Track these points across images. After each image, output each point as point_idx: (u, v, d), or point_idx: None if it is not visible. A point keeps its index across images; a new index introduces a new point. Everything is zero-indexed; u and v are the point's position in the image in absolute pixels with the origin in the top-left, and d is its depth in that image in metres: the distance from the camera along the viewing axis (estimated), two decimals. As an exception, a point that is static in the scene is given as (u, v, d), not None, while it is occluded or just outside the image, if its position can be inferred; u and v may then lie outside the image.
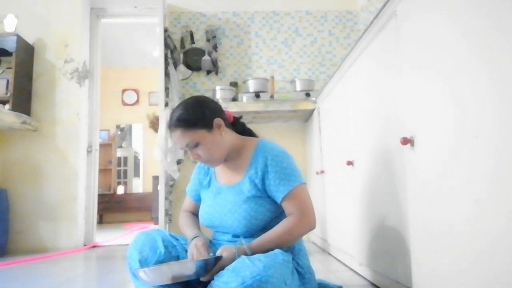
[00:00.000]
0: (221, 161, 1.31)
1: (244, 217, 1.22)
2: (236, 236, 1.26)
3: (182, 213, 1.47)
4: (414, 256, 1.20)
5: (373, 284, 1.63)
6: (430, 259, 1.09)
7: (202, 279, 1.08)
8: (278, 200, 1.22)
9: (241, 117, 1.45)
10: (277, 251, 1.10)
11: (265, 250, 1.12)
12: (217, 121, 1.26)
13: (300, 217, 1.19)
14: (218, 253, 1.12)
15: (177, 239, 1.32)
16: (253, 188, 1.24)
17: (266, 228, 1.22)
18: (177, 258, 1.27)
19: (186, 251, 1.29)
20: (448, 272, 1.00)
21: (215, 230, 1.33)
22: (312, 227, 1.22)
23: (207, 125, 1.24)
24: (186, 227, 1.37)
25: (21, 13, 3.37)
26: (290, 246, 1.24)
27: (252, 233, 1.22)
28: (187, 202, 1.48)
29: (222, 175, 1.36)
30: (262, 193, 1.24)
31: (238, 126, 1.40)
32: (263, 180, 1.24)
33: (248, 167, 1.28)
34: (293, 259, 1.22)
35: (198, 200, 1.44)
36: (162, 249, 1.23)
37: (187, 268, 1.08)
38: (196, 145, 1.23)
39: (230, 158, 1.33)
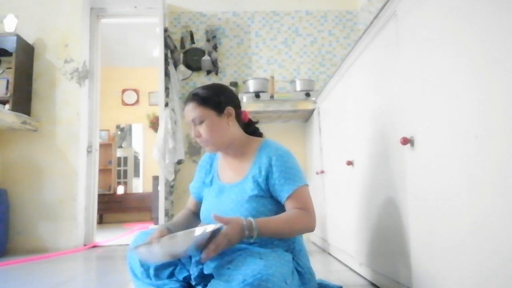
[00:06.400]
0: (218, 149, 1.31)
1: (246, 217, 1.21)
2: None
3: (185, 210, 1.49)
4: (414, 256, 1.20)
5: (373, 284, 1.63)
6: (430, 259, 1.09)
7: (205, 255, 1.02)
8: (283, 200, 1.22)
9: (257, 121, 1.46)
10: (277, 250, 1.10)
11: (269, 230, 1.11)
12: (229, 109, 1.29)
13: (304, 212, 1.20)
14: (225, 224, 1.07)
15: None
16: (256, 188, 1.24)
17: None
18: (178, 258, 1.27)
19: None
20: (448, 272, 1.00)
21: None
22: (312, 226, 1.22)
23: (218, 108, 1.27)
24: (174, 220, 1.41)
25: (21, 13, 3.37)
26: (288, 239, 1.24)
27: None
28: (189, 200, 1.50)
29: (225, 173, 1.37)
30: (265, 192, 1.24)
31: (251, 127, 1.42)
32: (267, 179, 1.24)
33: (251, 166, 1.28)
34: (293, 259, 1.22)
35: (198, 198, 1.45)
36: (162, 249, 1.23)
37: (178, 244, 1.06)
38: (201, 122, 1.26)
39: (234, 156, 1.34)
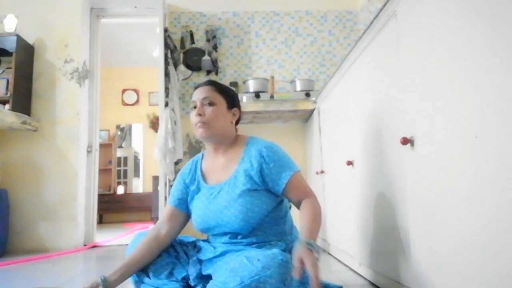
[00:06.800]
0: (212, 134, 1.30)
1: (240, 211, 1.21)
2: (233, 236, 1.25)
3: (150, 231, 1.33)
4: (414, 256, 1.20)
5: (373, 284, 1.63)
6: (430, 259, 1.09)
7: None
8: (281, 188, 1.23)
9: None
10: (275, 251, 1.10)
11: (315, 234, 1.15)
12: (235, 111, 1.38)
13: (312, 199, 1.25)
14: (294, 258, 1.04)
15: (176, 239, 1.32)
16: (248, 182, 1.24)
17: (262, 221, 1.22)
18: (176, 257, 1.27)
19: (185, 252, 1.30)
20: (448, 272, 1.00)
21: (212, 233, 1.31)
22: (321, 207, 1.27)
23: (230, 103, 1.36)
24: (126, 258, 1.25)
25: (21, 13, 3.37)
26: (286, 238, 1.30)
27: (249, 228, 1.22)
28: (164, 212, 1.40)
29: (211, 175, 1.36)
30: (259, 185, 1.24)
31: None
32: (261, 171, 1.24)
33: (240, 161, 1.29)
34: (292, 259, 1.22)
35: (178, 206, 1.37)
36: (161, 249, 1.23)
37: None
38: (211, 104, 1.31)
39: (224, 152, 1.35)
